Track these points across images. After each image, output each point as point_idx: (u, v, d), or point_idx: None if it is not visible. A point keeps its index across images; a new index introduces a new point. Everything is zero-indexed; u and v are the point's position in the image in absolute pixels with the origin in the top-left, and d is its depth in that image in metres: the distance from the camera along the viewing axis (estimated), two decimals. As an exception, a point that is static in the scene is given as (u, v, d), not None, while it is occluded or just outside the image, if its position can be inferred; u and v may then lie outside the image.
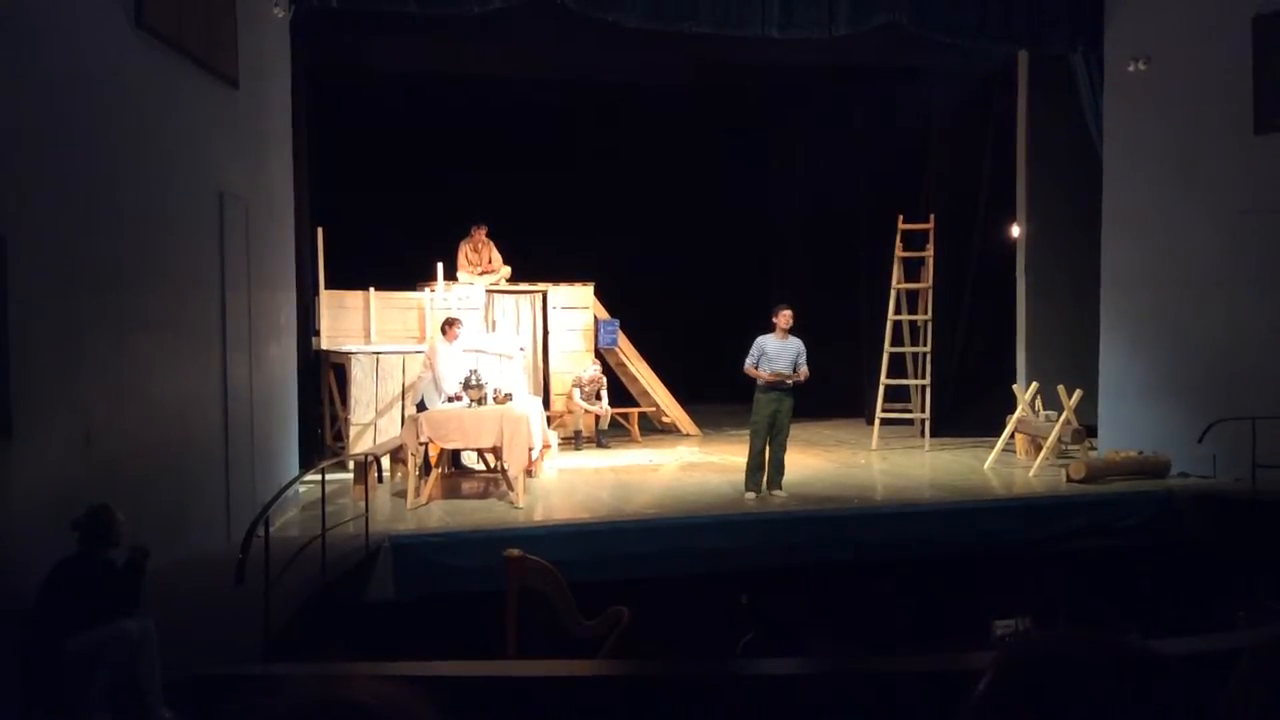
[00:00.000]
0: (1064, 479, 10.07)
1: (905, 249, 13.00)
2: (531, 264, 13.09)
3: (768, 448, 9.35)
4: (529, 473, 9.70)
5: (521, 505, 9.05)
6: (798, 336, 9.36)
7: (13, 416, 5.20)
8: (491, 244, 12.94)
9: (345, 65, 12.41)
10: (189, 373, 7.36)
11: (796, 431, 13.36)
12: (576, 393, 12.67)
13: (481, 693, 5.11)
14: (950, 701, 1.17)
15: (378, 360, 11.22)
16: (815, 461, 11.61)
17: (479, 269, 12.77)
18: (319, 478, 7.44)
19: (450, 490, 9.86)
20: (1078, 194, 11.83)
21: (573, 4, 9.65)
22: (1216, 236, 10.06)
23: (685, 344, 15.15)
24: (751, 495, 9.34)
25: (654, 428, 14.15)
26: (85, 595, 4.92)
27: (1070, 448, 10.83)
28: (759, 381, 9.27)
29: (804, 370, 9.27)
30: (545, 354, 13.13)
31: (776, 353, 9.22)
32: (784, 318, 9.30)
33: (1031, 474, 10.50)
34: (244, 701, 1.01)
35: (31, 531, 5.28)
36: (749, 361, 9.33)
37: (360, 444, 10.81)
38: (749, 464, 9.44)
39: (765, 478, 9.39)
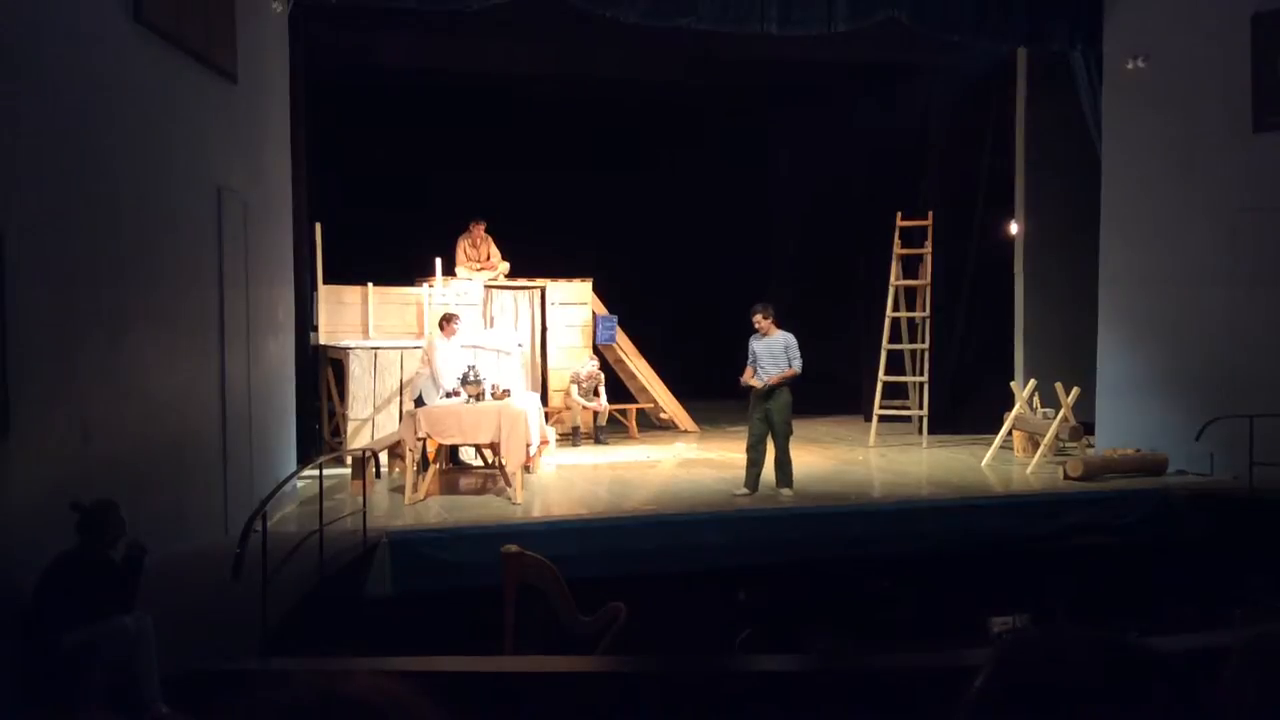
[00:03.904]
0: (1061, 476, 10.07)
1: (904, 246, 13.00)
2: (530, 260, 13.08)
3: (770, 446, 9.33)
4: (527, 469, 9.70)
5: (519, 501, 9.05)
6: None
7: (11, 413, 5.19)
8: (490, 240, 12.93)
9: (344, 60, 12.39)
10: (187, 368, 7.35)
11: (795, 428, 13.38)
12: (574, 389, 12.67)
13: (479, 688, 5.12)
14: (947, 698, 1.18)
15: (376, 356, 11.21)
16: (813, 458, 11.60)
17: (477, 265, 12.77)
18: (317, 473, 7.44)
19: (448, 486, 9.86)
20: (1076, 191, 11.83)
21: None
22: (1215, 234, 10.07)
23: (683, 340, 15.15)
24: (743, 492, 9.29)
25: (652, 424, 14.15)
26: (83, 591, 4.92)
27: (1068, 445, 10.83)
28: None
29: (784, 373, 9.16)
30: (543, 350, 13.12)
31: (762, 352, 9.23)
32: (756, 319, 9.29)
33: (1029, 471, 10.51)
34: (242, 697, 1.01)
35: (29, 528, 5.27)
36: (748, 367, 9.35)
37: (358, 439, 10.81)
38: (746, 459, 9.46)
39: (775, 477, 9.35)
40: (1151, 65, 10.47)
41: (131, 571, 5.14)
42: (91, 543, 5.06)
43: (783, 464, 9.39)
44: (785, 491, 9.32)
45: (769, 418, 9.24)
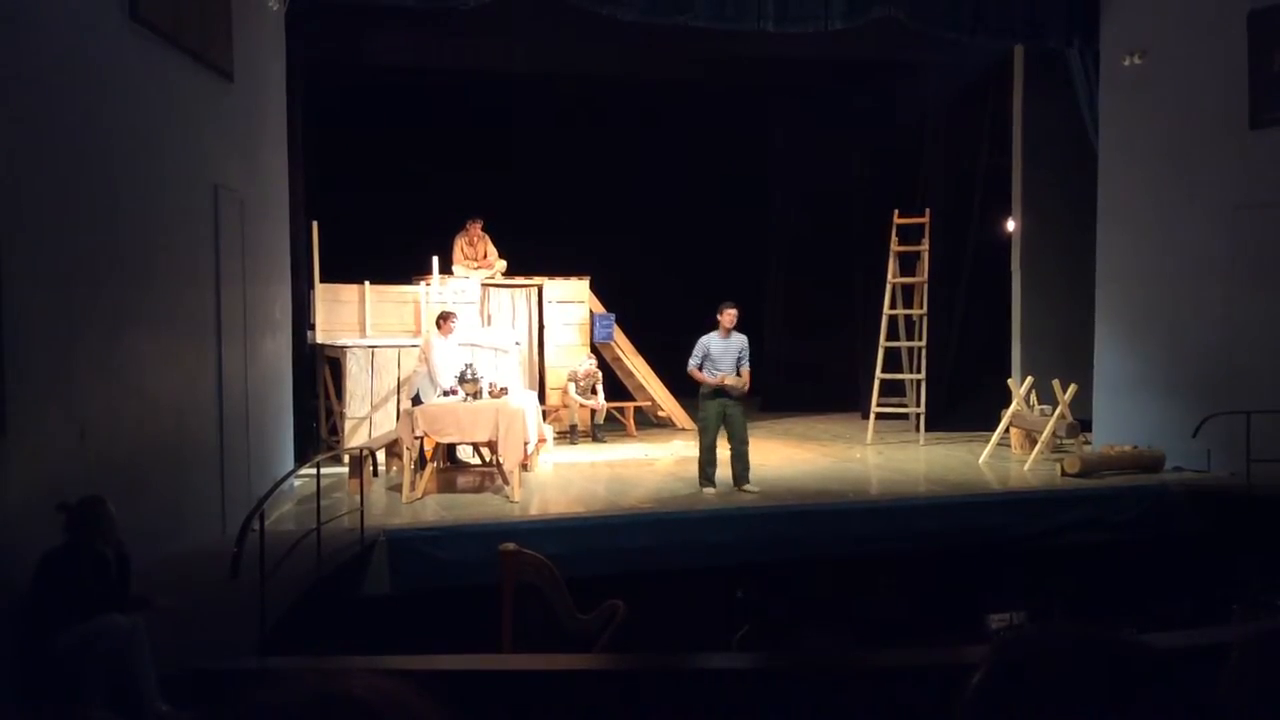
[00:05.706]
0: (1059, 473, 10.08)
1: (901, 243, 13.00)
2: (527, 258, 13.08)
3: (729, 444, 9.34)
4: (524, 467, 9.69)
5: (517, 499, 9.05)
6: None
7: (7, 412, 5.19)
8: (487, 238, 12.93)
9: (340, 58, 12.38)
10: (184, 367, 7.35)
11: (792, 425, 13.49)
12: (572, 387, 12.67)
13: (477, 686, 5.12)
14: (945, 695, 1.18)
15: (373, 354, 11.21)
16: (810, 456, 11.61)
17: (474, 263, 12.76)
18: (314, 472, 7.43)
19: (445, 484, 9.86)
20: (1073, 188, 11.84)
21: (569, -3, 9.64)
22: (1211, 231, 10.08)
23: (681, 338, 15.10)
24: (710, 490, 9.30)
25: (649, 422, 14.14)
26: (77, 585, 4.91)
27: (1065, 442, 10.84)
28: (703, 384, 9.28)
29: (746, 373, 9.21)
30: (541, 348, 13.12)
31: (720, 353, 9.22)
32: (728, 317, 9.25)
33: (1026, 468, 10.51)
34: (240, 696, 1.01)
35: (26, 527, 5.26)
36: (693, 363, 9.34)
37: (355, 438, 10.81)
38: (700, 459, 9.45)
39: (733, 474, 9.36)
40: (1148, 62, 10.48)
41: (121, 571, 5.14)
42: (83, 539, 5.04)
43: (745, 461, 9.37)
44: (749, 488, 9.30)
45: (728, 414, 9.23)
